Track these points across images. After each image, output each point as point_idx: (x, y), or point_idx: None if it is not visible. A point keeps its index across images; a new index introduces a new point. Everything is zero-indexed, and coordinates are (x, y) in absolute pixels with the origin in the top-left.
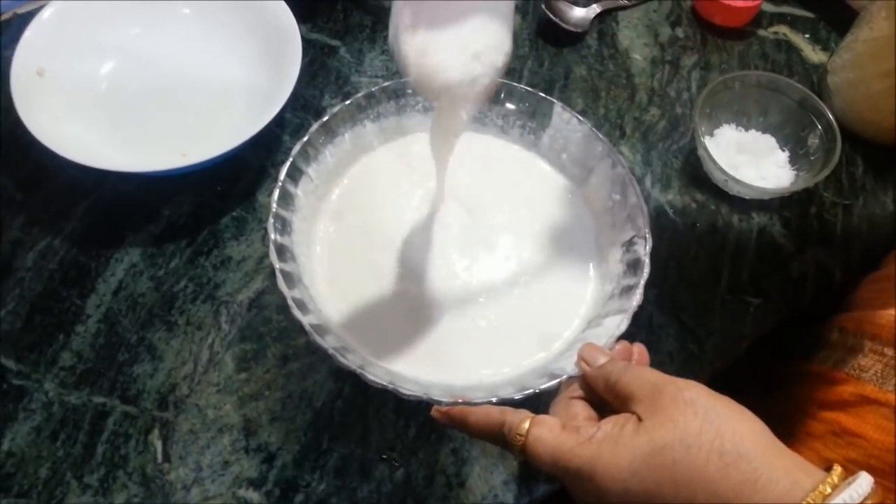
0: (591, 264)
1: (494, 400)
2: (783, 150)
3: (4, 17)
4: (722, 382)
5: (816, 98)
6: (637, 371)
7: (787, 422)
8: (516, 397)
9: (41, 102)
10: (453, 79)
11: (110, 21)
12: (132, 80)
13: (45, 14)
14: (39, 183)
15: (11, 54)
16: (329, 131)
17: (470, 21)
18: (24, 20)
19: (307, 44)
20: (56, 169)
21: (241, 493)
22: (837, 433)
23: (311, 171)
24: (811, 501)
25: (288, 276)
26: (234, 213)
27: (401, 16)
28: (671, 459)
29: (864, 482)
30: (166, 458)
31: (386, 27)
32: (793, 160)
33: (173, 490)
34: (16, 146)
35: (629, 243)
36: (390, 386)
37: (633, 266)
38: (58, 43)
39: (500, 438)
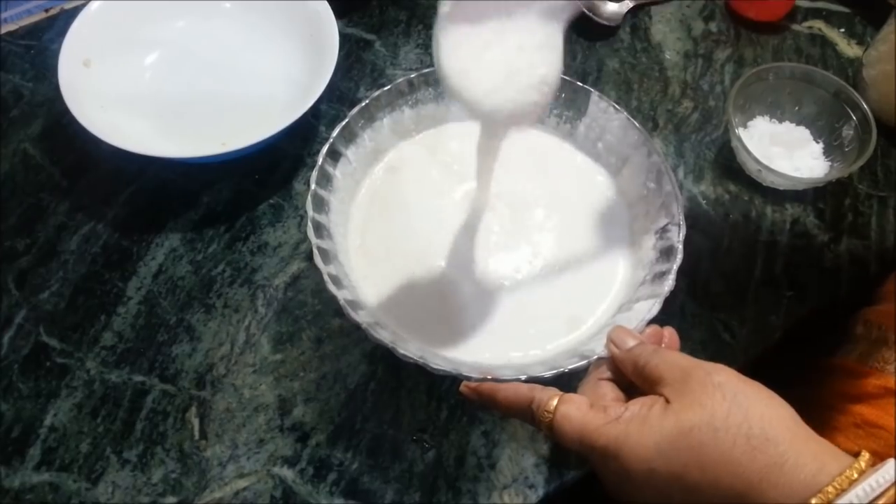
0: (624, 251)
1: (523, 378)
2: (817, 142)
3: (52, 12)
4: (747, 374)
5: (851, 90)
6: (666, 354)
7: (809, 414)
8: (545, 375)
9: (87, 92)
10: (500, 108)
11: (154, 15)
12: (175, 71)
13: (92, 7)
14: (84, 170)
15: (59, 47)
16: (368, 116)
17: (519, 30)
18: (70, 15)
19: (344, 38)
20: (100, 156)
21: (276, 470)
22: (860, 425)
23: (350, 153)
24: (837, 486)
25: (324, 253)
26: (271, 201)
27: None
28: (698, 441)
29: (891, 468)
30: (203, 435)
31: (420, 21)
32: (827, 152)
33: (209, 466)
34: (63, 134)
35: (663, 230)
36: (421, 360)
37: (666, 253)
38: (104, 35)
39: (528, 415)
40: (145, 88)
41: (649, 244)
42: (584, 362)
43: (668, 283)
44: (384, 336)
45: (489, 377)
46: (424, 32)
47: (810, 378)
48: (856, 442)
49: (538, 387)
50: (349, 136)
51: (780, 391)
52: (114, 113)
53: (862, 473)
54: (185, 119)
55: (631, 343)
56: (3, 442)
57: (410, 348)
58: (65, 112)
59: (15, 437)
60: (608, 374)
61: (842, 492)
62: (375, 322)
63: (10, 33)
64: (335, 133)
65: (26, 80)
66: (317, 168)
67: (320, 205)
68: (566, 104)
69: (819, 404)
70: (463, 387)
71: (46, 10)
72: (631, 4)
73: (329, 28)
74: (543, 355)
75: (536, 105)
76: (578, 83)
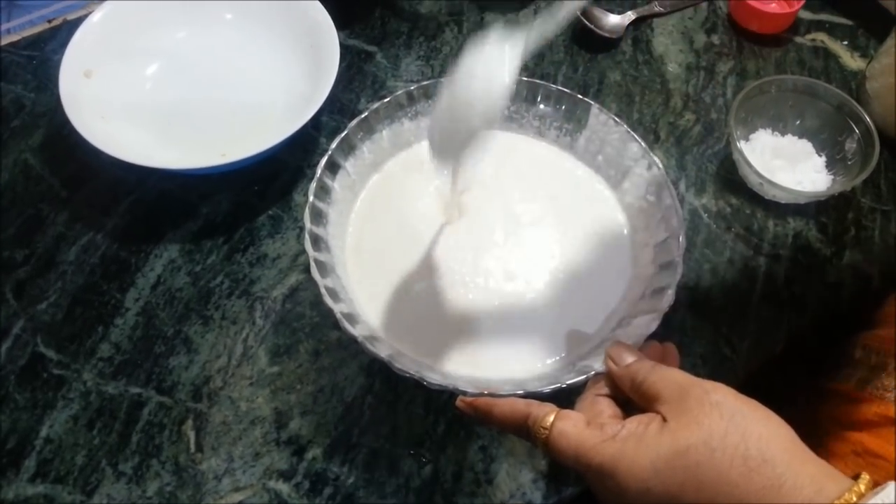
0: (623, 265)
1: (520, 392)
2: (820, 155)
3: (55, 23)
4: (747, 389)
5: (854, 103)
6: (663, 371)
7: (809, 440)
8: (542, 391)
9: (88, 103)
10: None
11: (156, 25)
12: (176, 82)
13: (94, 18)
14: (84, 180)
15: (61, 58)
16: (368, 128)
17: None
18: (73, 26)
19: (345, 49)
20: (100, 167)
21: (271, 484)
22: (860, 453)
23: (349, 165)
24: None
25: (322, 266)
26: (270, 212)
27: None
28: (694, 461)
29: (891, 492)
30: (199, 448)
31: (422, 33)
32: (830, 165)
33: (205, 479)
34: (63, 145)
35: (662, 244)
36: (416, 375)
37: (666, 267)
38: (105, 46)
39: (524, 431)
40: (146, 99)
41: (649, 258)
42: (581, 377)
43: (668, 299)
44: (381, 350)
45: (485, 392)
46: (426, 44)
47: (808, 402)
48: (855, 470)
49: (535, 402)
50: (348, 149)
51: (778, 409)
52: (114, 123)
53: (861, 497)
54: (185, 130)
55: (629, 359)
56: None
57: (406, 362)
58: (65, 122)
59: (10, 448)
60: (606, 390)
61: None
62: (372, 335)
63: (12, 44)
64: (334, 145)
65: (28, 91)
66: (315, 180)
67: (318, 217)
68: (566, 116)
69: (818, 430)
70: (459, 401)
71: (49, 21)
72: (633, 17)
73: (330, 39)
74: (541, 370)
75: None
76: (578, 96)
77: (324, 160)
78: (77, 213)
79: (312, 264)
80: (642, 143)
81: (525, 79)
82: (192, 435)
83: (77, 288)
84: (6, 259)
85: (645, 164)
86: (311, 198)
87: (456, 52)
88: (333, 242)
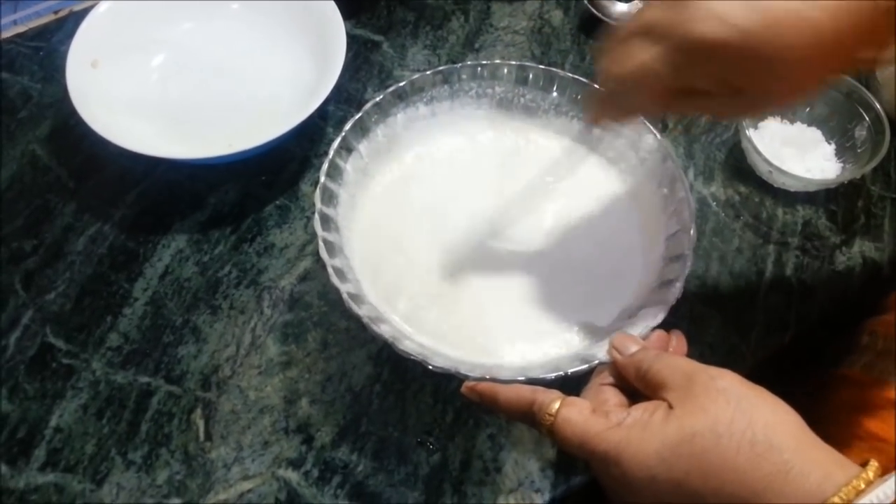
0: (633, 255)
1: (523, 379)
2: (829, 143)
3: (61, 14)
4: (756, 377)
5: (864, 90)
6: (669, 359)
7: (814, 424)
8: (546, 377)
9: (95, 93)
10: None
11: (162, 16)
12: (182, 72)
13: (100, 9)
14: (92, 171)
15: (67, 49)
16: (382, 111)
17: None
18: (79, 17)
19: (351, 39)
20: (108, 157)
21: (281, 472)
22: (864, 437)
23: (362, 147)
24: (843, 496)
25: (330, 246)
26: (277, 202)
27: None
28: (700, 448)
29: None
30: (208, 437)
31: (428, 23)
32: (839, 153)
33: (214, 468)
34: (70, 136)
35: (673, 237)
36: (420, 357)
37: (676, 260)
38: (112, 36)
39: (529, 417)
40: (153, 90)
41: (659, 250)
42: (585, 366)
43: (676, 291)
44: (385, 331)
45: (487, 377)
46: (432, 33)
47: (812, 388)
48: (858, 455)
49: (540, 389)
50: (362, 131)
51: (784, 396)
52: (121, 114)
53: (869, 484)
54: (192, 120)
55: (633, 348)
56: (8, 442)
57: (410, 345)
58: (72, 113)
59: (20, 437)
60: (611, 379)
61: (848, 503)
62: (377, 317)
63: (19, 35)
64: (348, 127)
65: (35, 82)
66: (328, 160)
67: (329, 198)
68: (582, 106)
69: (823, 415)
70: (464, 387)
71: (55, 13)
72: (640, 5)
73: (336, 29)
74: (546, 358)
75: None
76: (595, 86)
77: (337, 141)
78: (85, 204)
79: (321, 244)
80: (658, 135)
81: (542, 67)
82: (201, 424)
83: (85, 278)
84: (15, 250)
85: (659, 157)
86: (322, 178)
87: (462, 40)
88: (343, 223)
